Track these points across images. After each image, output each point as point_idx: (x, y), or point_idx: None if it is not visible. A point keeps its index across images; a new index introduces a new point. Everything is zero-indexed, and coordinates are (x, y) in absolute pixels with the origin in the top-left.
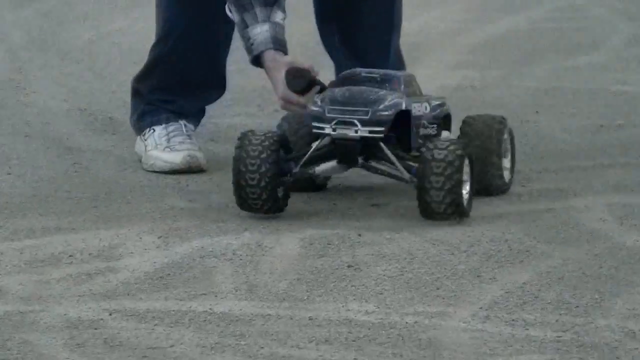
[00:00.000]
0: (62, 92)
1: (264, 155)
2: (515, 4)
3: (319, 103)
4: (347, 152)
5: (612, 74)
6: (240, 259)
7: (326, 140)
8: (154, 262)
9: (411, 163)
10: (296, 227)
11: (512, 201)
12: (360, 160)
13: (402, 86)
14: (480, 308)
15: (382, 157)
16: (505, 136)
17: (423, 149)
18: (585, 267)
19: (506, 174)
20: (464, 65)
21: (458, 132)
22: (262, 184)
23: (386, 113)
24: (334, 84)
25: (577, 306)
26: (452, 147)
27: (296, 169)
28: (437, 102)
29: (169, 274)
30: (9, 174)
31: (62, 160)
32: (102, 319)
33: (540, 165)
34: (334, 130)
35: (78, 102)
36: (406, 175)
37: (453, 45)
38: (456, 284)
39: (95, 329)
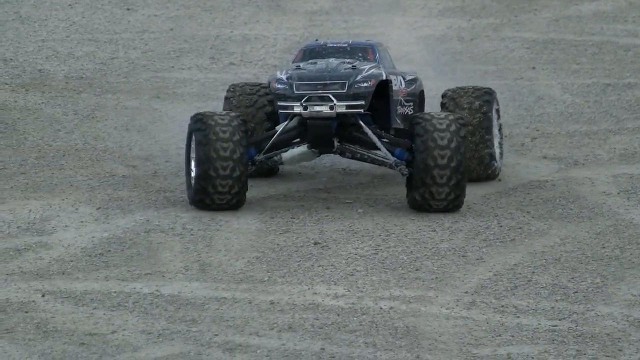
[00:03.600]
0: None
1: (236, 138)
2: None
3: (284, 79)
4: (321, 133)
5: (621, 24)
6: (191, 234)
7: (294, 121)
8: (92, 237)
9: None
10: (255, 198)
11: (502, 171)
12: (335, 143)
13: (377, 55)
14: (466, 292)
15: (359, 139)
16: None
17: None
18: (585, 247)
19: (497, 156)
20: (451, 13)
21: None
22: (235, 167)
23: (365, 85)
24: (298, 58)
25: (576, 291)
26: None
27: (259, 156)
28: (411, 77)
29: (110, 251)
30: None
31: None
32: (33, 301)
33: (537, 130)
34: (305, 108)
35: (2, 52)
36: (390, 158)
37: None
38: (438, 264)
39: (26, 312)
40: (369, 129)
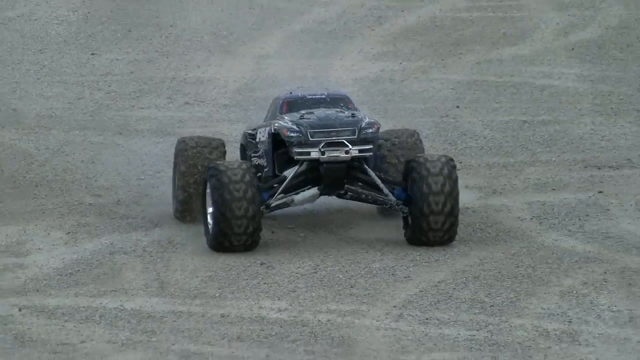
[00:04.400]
0: None
1: (247, 179)
2: None
3: (296, 128)
4: (336, 176)
5: (538, 67)
6: (151, 256)
7: (304, 166)
8: (63, 259)
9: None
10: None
11: None
12: (345, 186)
13: (354, 104)
14: (394, 306)
15: (363, 180)
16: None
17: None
18: (501, 266)
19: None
20: (384, 57)
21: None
22: (250, 213)
23: (371, 130)
24: (283, 109)
25: (492, 305)
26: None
27: (271, 200)
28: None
29: (79, 270)
30: None
31: None
32: (11, 315)
33: (460, 162)
34: (322, 153)
35: None
36: (392, 198)
37: (372, 35)
38: (370, 282)
39: (5, 324)
40: (372, 172)
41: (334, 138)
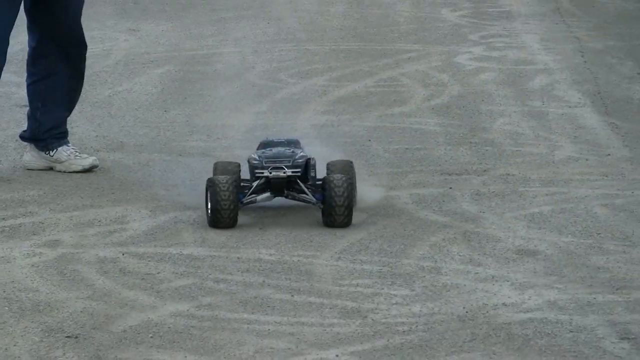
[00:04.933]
0: (92, 126)
1: (231, 188)
2: (358, 75)
3: (257, 158)
4: (278, 186)
5: (413, 118)
6: (198, 223)
7: (262, 180)
8: (147, 225)
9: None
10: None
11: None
12: (285, 191)
13: (300, 145)
14: (335, 252)
15: (297, 189)
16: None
17: (323, 179)
18: (396, 230)
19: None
20: (327, 113)
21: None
22: (232, 206)
23: (300, 160)
24: (259, 147)
25: (391, 252)
26: (345, 177)
27: (245, 199)
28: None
29: (156, 232)
30: (62, 172)
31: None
32: (118, 257)
33: (370, 171)
34: (270, 172)
35: (102, 132)
36: (314, 200)
37: (321, 100)
38: (321, 239)
39: (114, 263)
40: (301, 184)
41: (277, 164)
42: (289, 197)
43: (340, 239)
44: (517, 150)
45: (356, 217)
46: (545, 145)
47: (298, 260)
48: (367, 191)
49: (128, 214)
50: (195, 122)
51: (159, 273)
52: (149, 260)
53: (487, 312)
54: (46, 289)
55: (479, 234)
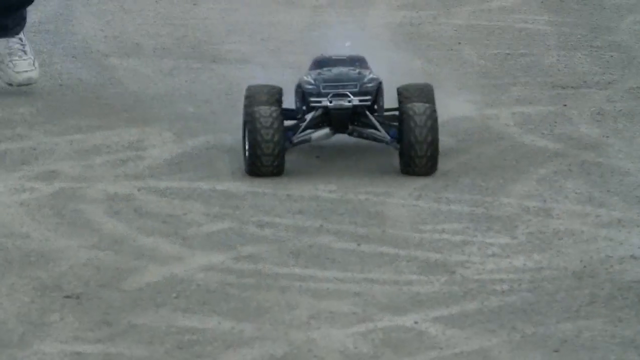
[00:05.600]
0: (100, 24)
1: (275, 125)
2: None
3: (313, 82)
4: (341, 119)
5: (517, 15)
6: (236, 151)
7: (319, 111)
8: (171, 152)
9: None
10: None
11: (439, 112)
12: (350, 126)
13: (367, 64)
14: (415, 189)
15: (366, 123)
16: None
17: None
18: (493, 159)
19: None
20: (405, 7)
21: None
22: (276, 151)
23: (371, 85)
24: (312, 67)
25: (487, 188)
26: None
27: (295, 137)
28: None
29: (182, 161)
30: (61, 85)
31: (101, 76)
32: (132, 194)
33: (460, 83)
34: (330, 101)
35: (112, 31)
36: (387, 137)
37: None
38: (396, 171)
39: (128, 201)
40: (372, 116)
41: (339, 90)
42: (355, 134)
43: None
44: None
45: (442, 143)
46: None
47: (366, 199)
48: (457, 109)
49: (146, 137)
50: (233, 18)
51: (185, 214)
52: (173, 198)
53: (611, 266)
54: (39, 234)
55: (601, 165)
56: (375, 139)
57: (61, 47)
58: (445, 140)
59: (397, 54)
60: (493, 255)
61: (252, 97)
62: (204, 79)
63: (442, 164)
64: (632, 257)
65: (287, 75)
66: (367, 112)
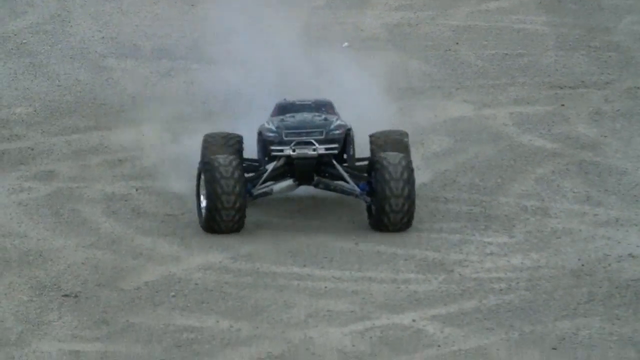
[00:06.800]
0: (98, 25)
1: (236, 175)
2: None
3: (275, 129)
4: (305, 170)
5: (514, 15)
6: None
7: (281, 161)
8: (168, 152)
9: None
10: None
11: (436, 112)
12: (315, 177)
13: (334, 109)
14: None
15: (333, 174)
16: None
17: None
18: (491, 159)
19: None
20: (403, 8)
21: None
22: (237, 205)
23: (338, 132)
24: (275, 112)
25: (485, 187)
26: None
27: (255, 189)
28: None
29: (180, 161)
30: (58, 85)
31: (99, 77)
32: (130, 193)
33: (458, 84)
34: (293, 150)
35: (110, 33)
36: (356, 190)
37: None
38: None
39: (126, 200)
40: (340, 166)
41: (303, 138)
42: (321, 185)
43: (421, 168)
44: None
45: (441, 143)
46: None
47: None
48: (455, 109)
49: (143, 137)
50: (232, 20)
51: (183, 214)
52: (171, 198)
53: (609, 265)
54: (37, 234)
55: (598, 165)
56: (343, 192)
57: (59, 48)
58: (443, 140)
59: (395, 55)
60: (491, 254)
61: (210, 145)
62: (201, 80)
63: (439, 164)
64: (630, 255)
65: (288, 75)
66: (335, 162)
